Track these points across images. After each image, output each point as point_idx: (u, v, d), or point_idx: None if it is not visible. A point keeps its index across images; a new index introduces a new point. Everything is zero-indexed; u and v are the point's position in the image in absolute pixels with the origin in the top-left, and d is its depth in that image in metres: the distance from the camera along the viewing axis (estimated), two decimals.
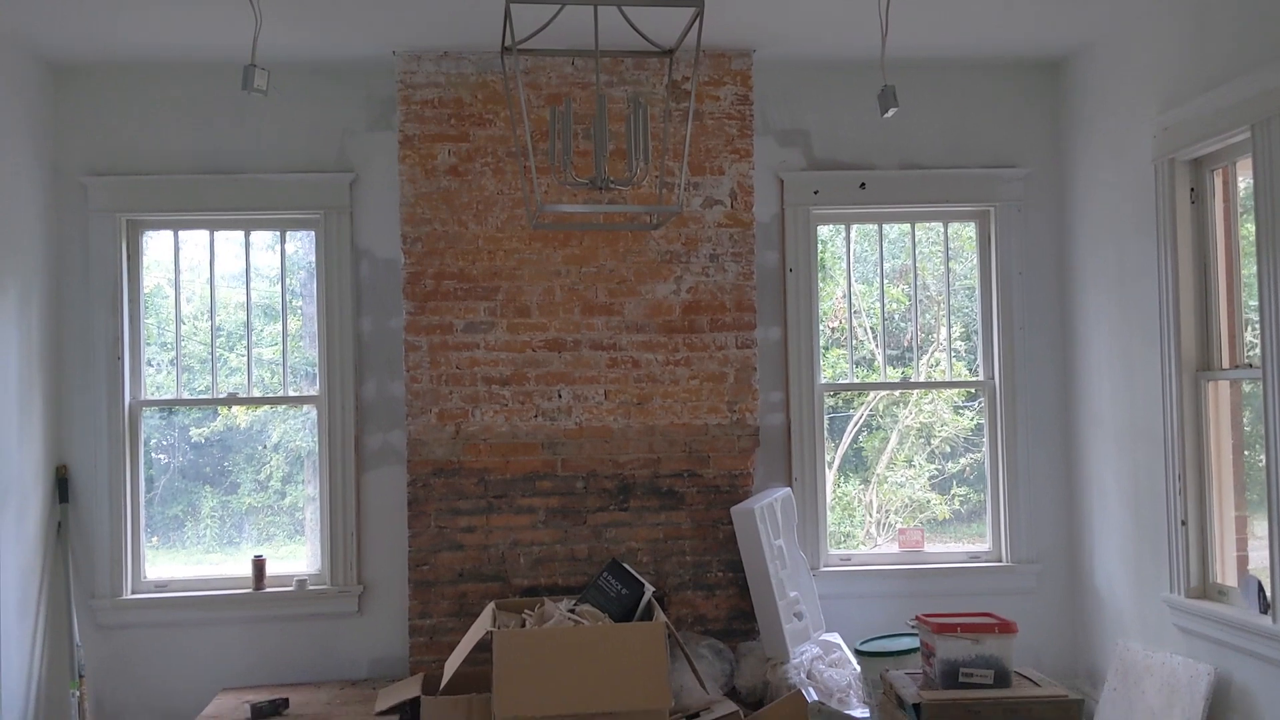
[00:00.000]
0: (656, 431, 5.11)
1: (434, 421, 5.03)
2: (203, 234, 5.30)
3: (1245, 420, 4.48)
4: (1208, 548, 4.53)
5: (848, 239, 5.61)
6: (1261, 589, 4.13)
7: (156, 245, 5.32)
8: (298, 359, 5.40)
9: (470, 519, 5.04)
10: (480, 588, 5.01)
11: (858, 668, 4.87)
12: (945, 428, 6.05)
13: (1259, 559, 4.25)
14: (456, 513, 5.04)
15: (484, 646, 4.30)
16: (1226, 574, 4.47)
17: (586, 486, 5.09)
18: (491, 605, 4.59)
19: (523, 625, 4.34)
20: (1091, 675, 5.23)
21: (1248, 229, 4.33)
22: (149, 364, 5.30)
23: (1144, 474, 4.81)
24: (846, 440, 6.14)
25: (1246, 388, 4.42)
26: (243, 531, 5.50)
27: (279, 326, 5.39)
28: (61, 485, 4.97)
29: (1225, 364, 4.46)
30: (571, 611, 4.40)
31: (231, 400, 5.33)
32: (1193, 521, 4.53)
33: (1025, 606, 5.10)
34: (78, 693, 4.75)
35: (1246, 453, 4.48)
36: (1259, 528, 4.31)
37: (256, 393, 5.34)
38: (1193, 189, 4.55)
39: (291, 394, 5.34)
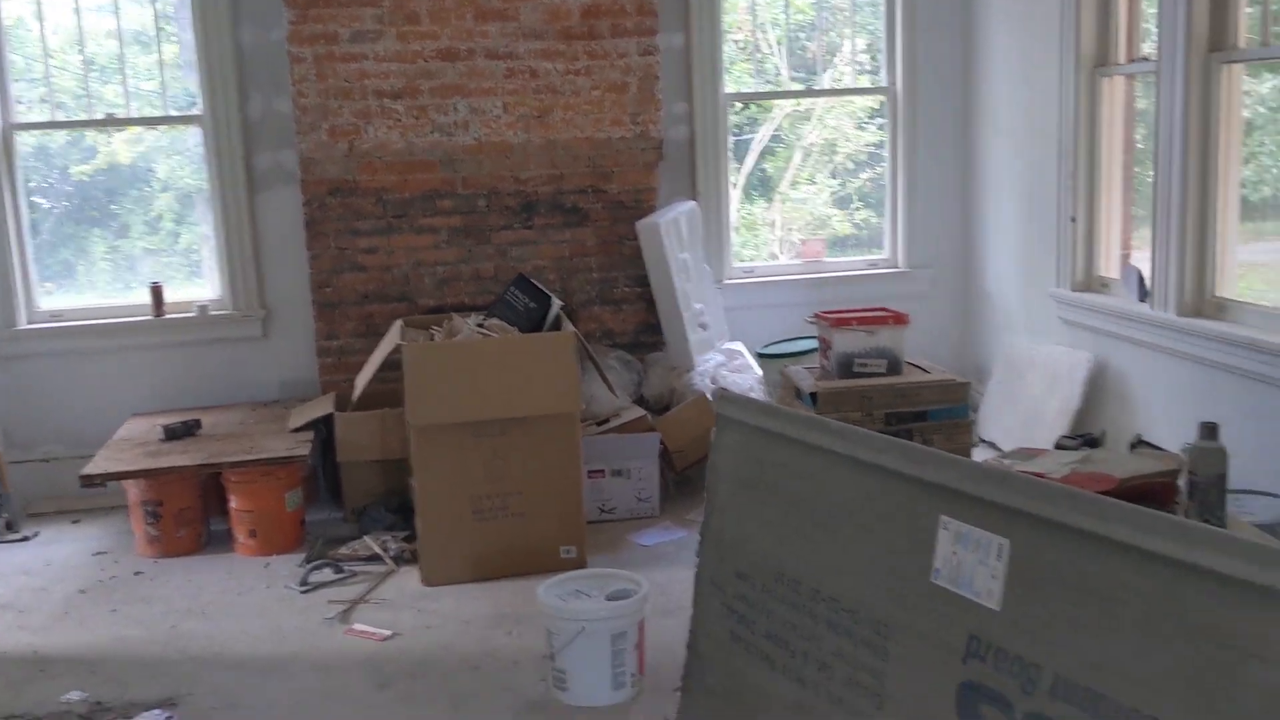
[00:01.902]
0: (558, 146, 5.01)
1: (325, 139, 4.85)
2: None
3: (1139, 137, 4.54)
4: (1094, 243, 4.70)
5: None
6: (1141, 278, 4.32)
7: None
8: (177, 90, 5.10)
9: (371, 239, 4.96)
10: (386, 309, 4.99)
11: (759, 372, 5.05)
12: (848, 143, 6.05)
13: (1141, 259, 4.42)
14: (356, 233, 4.94)
15: (393, 365, 4.31)
16: (1110, 268, 4.66)
17: (489, 205, 5.02)
18: (399, 322, 4.59)
19: (431, 340, 4.36)
20: (980, 373, 5.50)
21: None
22: (19, 102, 4.96)
23: (1038, 173, 4.91)
24: (750, 161, 6.11)
25: (1141, 104, 4.45)
26: (138, 274, 5.34)
27: (155, 57, 5.05)
28: None
29: (1122, 59, 4.48)
30: (480, 326, 4.42)
31: (110, 121, 5.06)
32: (1081, 217, 4.67)
33: (919, 310, 5.24)
34: None
35: (1137, 169, 4.57)
36: (1143, 236, 4.45)
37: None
38: None
39: (173, 113, 5.08)
